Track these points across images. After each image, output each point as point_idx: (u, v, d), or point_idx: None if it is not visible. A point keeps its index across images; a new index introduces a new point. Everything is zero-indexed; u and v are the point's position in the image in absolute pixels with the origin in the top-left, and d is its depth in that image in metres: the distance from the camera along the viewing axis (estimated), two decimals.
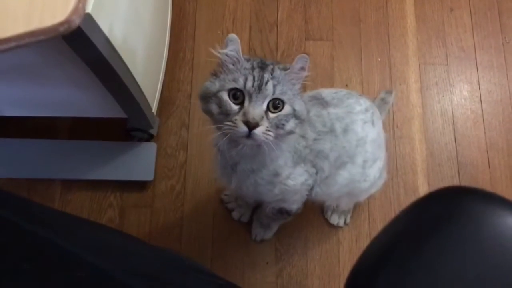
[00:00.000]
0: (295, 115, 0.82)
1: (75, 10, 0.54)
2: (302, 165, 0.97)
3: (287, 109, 0.81)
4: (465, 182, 1.44)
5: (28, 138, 1.37)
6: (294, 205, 1.10)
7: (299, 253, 1.34)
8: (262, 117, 0.78)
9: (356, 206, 1.38)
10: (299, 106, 0.83)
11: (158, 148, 1.39)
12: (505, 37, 1.61)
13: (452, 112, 1.52)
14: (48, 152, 1.36)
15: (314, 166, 0.99)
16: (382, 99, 1.40)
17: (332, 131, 1.00)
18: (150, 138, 1.38)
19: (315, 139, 0.97)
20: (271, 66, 0.82)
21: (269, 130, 0.79)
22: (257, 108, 0.78)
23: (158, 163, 1.39)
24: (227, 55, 0.81)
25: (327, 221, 1.36)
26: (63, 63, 0.99)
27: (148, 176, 1.36)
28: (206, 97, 0.82)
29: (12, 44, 0.51)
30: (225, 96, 0.80)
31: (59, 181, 1.37)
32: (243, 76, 0.79)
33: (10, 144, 1.36)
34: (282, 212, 1.14)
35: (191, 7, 1.58)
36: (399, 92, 1.52)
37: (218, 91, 0.80)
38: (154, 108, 1.33)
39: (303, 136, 0.95)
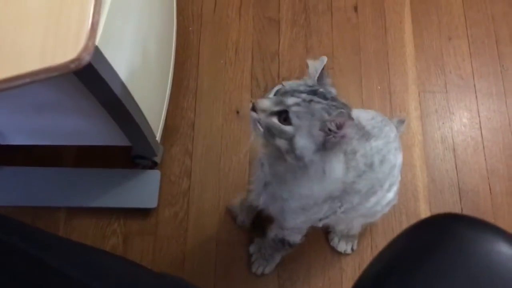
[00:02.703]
0: (290, 141, 0.78)
1: (86, 47, 0.56)
2: (329, 201, 0.95)
3: (287, 128, 0.78)
4: (467, 209, 1.45)
5: (34, 166, 1.38)
6: (298, 235, 1.12)
7: (302, 280, 1.34)
8: (264, 110, 0.79)
9: (359, 233, 1.38)
10: (302, 144, 0.78)
11: (162, 175, 1.41)
12: (503, 65, 1.64)
13: (453, 139, 1.54)
14: (54, 180, 1.38)
15: (340, 201, 0.97)
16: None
17: (370, 166, 0.96)
18: (154, 165, 1.40)
19: (353, 182, 0.93)
20: (321, 101, 0.79)
21: (259, 123, 0.80)
22: (266, 102, 0.79)
23: (162, 190, 1.40)
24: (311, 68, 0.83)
25: (330, 248, 1.36)
26: (71, 94, 1.01)
27: (152, 203, 1.37)
28: None
29: (27, 80, 0.53)
30: (275, 89, 0.83)
31: (64, 209, 1.38)
32: (300, 81, 0.82)
33: (17, 172, 1.37)
34: (284, 242, 1.15)
35: (195, 37, 1.61)
36: None
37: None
38: (158, 136, 1.35)
39: (344, 182, 0.91)
